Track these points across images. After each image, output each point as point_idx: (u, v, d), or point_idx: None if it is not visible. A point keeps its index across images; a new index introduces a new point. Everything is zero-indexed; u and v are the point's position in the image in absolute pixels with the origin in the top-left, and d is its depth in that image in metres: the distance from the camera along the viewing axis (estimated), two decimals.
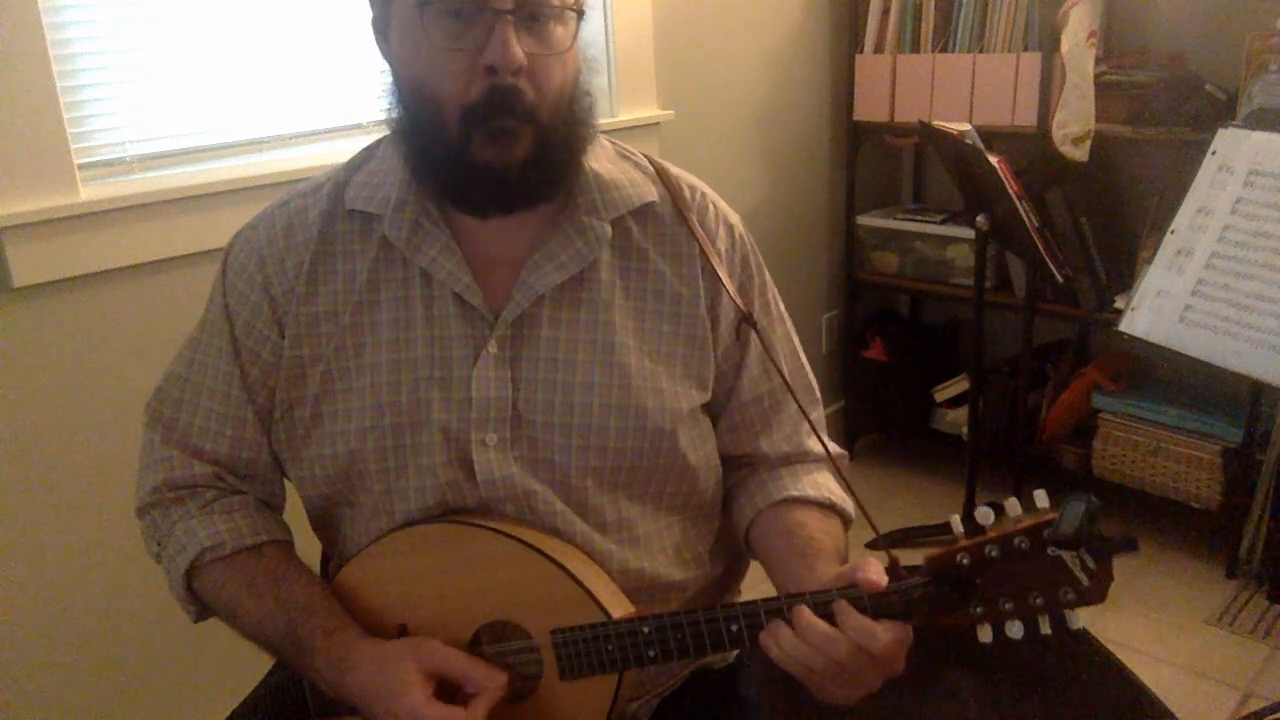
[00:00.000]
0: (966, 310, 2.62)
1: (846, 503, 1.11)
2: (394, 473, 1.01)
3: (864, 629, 0.85)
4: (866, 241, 2.97)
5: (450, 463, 1.00)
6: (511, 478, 1.00)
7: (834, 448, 1.11)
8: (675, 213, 1.06)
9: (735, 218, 1.12)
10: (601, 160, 1.05)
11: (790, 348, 1.15)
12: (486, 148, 0.92)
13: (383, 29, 0.98)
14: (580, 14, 0.95)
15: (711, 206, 1.10)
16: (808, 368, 1.16)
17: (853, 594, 0.87)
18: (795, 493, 1.08)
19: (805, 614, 0.87)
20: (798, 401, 1.10)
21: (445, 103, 0.92)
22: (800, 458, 1.12)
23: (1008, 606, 0.84)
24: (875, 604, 0.86)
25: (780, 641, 0.87)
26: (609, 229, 1.03)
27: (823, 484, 1.10)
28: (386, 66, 0.99)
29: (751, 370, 1.10)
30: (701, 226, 1.07)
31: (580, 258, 1.01)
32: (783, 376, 1.09)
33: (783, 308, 1.16)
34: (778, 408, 1.12)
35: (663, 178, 1.08)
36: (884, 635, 0.85)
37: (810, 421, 1.11)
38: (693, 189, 1.10)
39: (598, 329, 1.02)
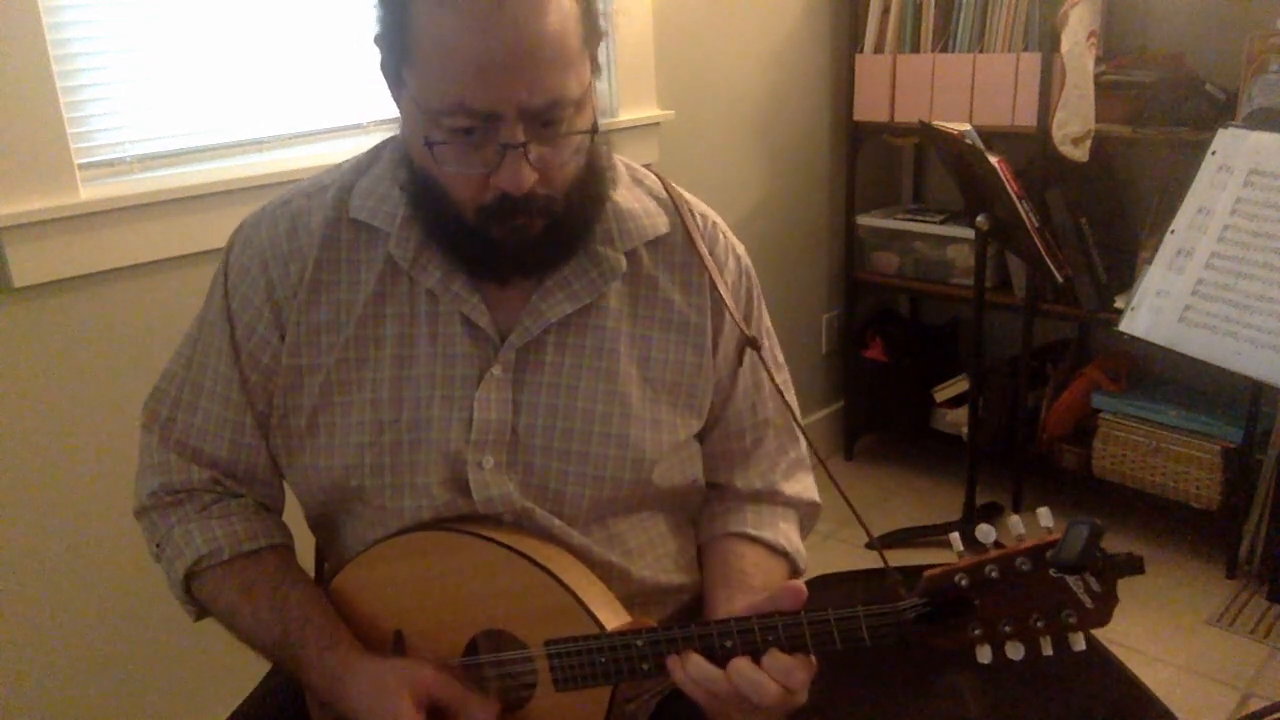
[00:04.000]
0: (966, 310, 2.62)
1: (801, 555, 1.11)
2: (390, 490, 1.00)
3: (785, 669, 0.85)
4: (866, 241, 2.97)
5: (445, 482, 1.00)
6: (508, 495, 1.00)
7: (812, 495, 1.14)
8: (687, 240, 1.06)
9: (741, 248, 1.12)
10: (618, 188, 1.03)
11: (775, 386, 1.12)
12: (502, 229, 0.93)
13: (394, 86, 0.93)
14: (595, 133, 0.94)
15: (722, 236, 1.10)
16: (794, 405, 1.13)
17: (846, 614, 0.85)
18: (752, 532, 1.08)
19: (739, 661, 0.86)
20: (800, 429, 1.09)
21: (458, 202, 0.92)
22: (770, 497, 1.12)
23: (1007, 628, 0.82)
24: (870, 626, 0.85)
25: (689, 669, 0.87)
26: (624, 261, 1.02)
27: (784, 532, 1.10)
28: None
29: (738, 404, 1.09)
30: (711, 255, 1.06)
31: (593, 288, 1.01)
32: (786, 403, 1.09)
33: (775, 341, 1.15)
34: (759, 444, 1.12)
35: (676, 204, 1.07)
36: (799, 674, 0.85)
37: (807, 443, 1.11)
38: (704, 217, 1.09)
39: (602, 357, 1.02)
